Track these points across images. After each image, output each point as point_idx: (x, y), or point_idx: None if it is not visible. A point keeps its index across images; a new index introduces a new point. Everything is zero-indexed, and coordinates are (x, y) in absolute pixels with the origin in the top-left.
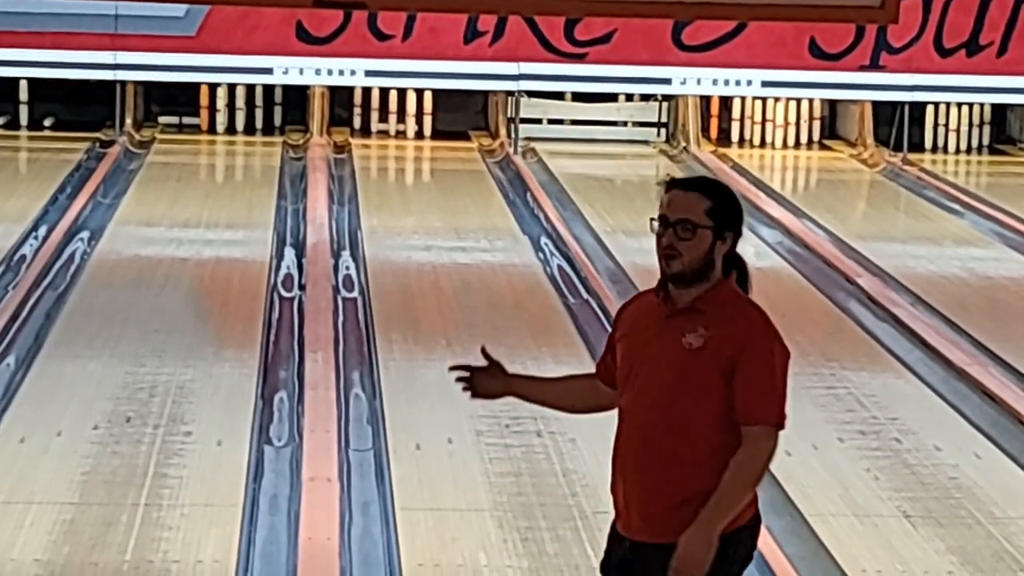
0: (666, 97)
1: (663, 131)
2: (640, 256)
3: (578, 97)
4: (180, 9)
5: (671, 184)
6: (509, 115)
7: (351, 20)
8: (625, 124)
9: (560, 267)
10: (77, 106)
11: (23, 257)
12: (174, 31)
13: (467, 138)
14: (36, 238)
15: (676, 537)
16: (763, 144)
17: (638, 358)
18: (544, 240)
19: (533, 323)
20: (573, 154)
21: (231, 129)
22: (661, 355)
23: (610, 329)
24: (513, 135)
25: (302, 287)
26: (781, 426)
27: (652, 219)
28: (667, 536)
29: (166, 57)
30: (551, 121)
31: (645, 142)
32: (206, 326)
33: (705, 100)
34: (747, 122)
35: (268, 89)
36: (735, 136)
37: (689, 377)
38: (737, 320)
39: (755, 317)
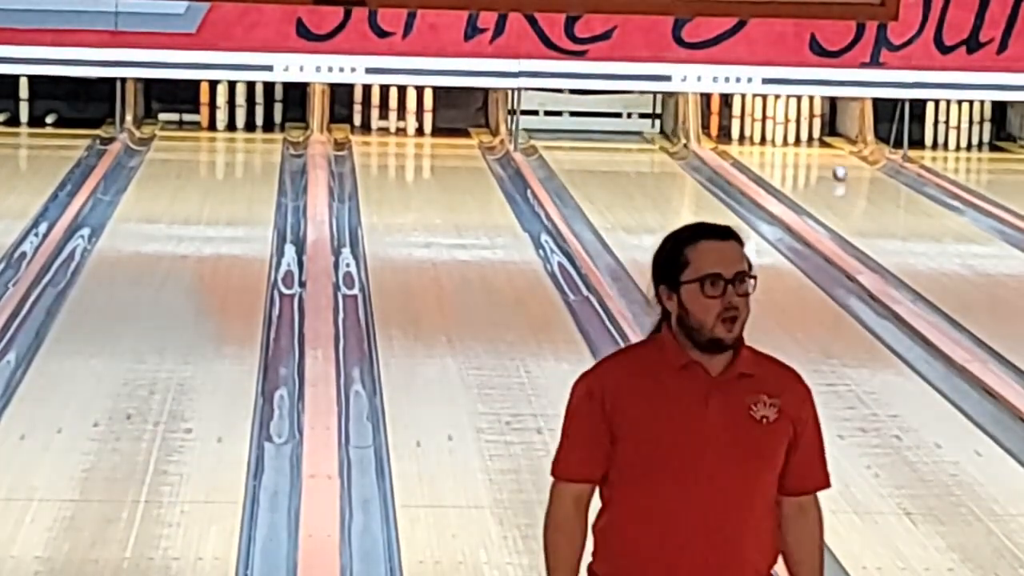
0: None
1: (657, 122)
2: (640, 253)
3: (575, 89)
4: (180, 6)
5: (695, 235)
6: (509, 107)
7: (351, 17)
8: (620, 115)
9: (560, 264)
10: (77, 103)
11: (23, 254)
12: (174, 28)
13: (467, 135)
14: (37, 235)
15: None
16: (763, 141)
17: (680, 436)
18: (544, 237)
19: (533, 320)
20: (573, 151)
21: (231, 126)
22: (724, 432)
23: (573, 399)
24: (513, 126)
25: (302, 284)
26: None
27: (684, 283)
28: None
29: (166, 54)
30: (547, 112)
31: (640, 133)
32: (206, 323)
33: (705, 97)
34: (747, 119)
35: (268, 86)
36: (735, 133)
37: (764, 454)
38: (787, 381)
39: (794, 373)
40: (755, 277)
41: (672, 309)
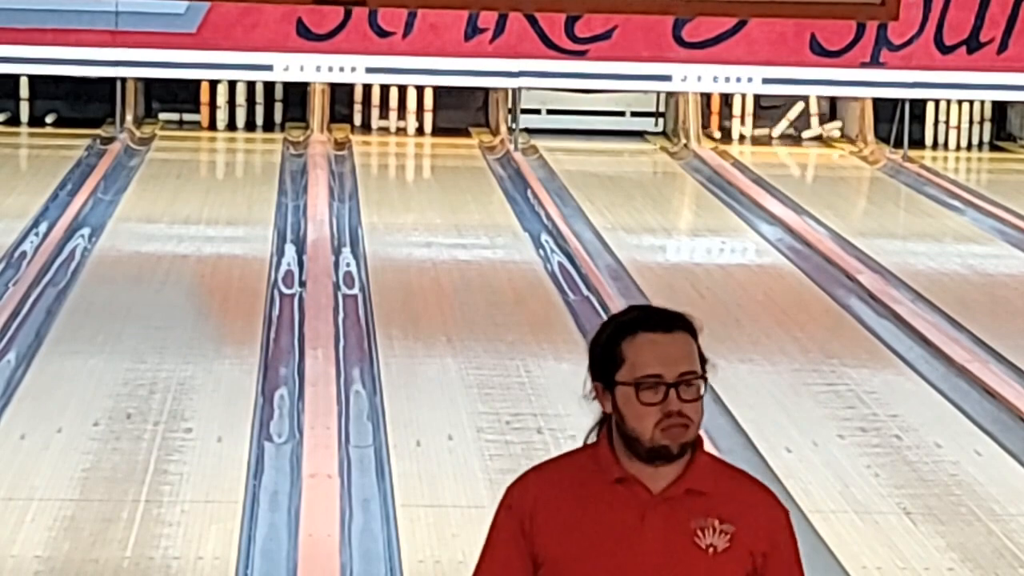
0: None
1: (661, 120)
2: (640, 253)
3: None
4: (181, 6)
5: (634, 325)
6: (509, 105)
7: (351, 17)
8: (623, 114)
9: (560, 264)
10: (77, 103)
11: (24, 253)
12: (175, 28)
13: (467, 135)
14: (37, 234)
15: None
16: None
17: (609, 565)
18: (544, 237)
19: (533, 320)
20: (573, 151)
21: (232, 126)
22: (661, 561)
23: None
24: (513, 124)
25: (302, 284)
26: None
27: (618, 384)
28: None
29: (167, 54)
30: (550, 111)
31: (643, 133)
32: (206, 323)
33: (706, 97)
34: (748, 119)
35: (269, 86)
36: (735, 133)
37: None
38: (751, 503)
39: (765, 492)
40: (705, 377)
41: (608, 410)
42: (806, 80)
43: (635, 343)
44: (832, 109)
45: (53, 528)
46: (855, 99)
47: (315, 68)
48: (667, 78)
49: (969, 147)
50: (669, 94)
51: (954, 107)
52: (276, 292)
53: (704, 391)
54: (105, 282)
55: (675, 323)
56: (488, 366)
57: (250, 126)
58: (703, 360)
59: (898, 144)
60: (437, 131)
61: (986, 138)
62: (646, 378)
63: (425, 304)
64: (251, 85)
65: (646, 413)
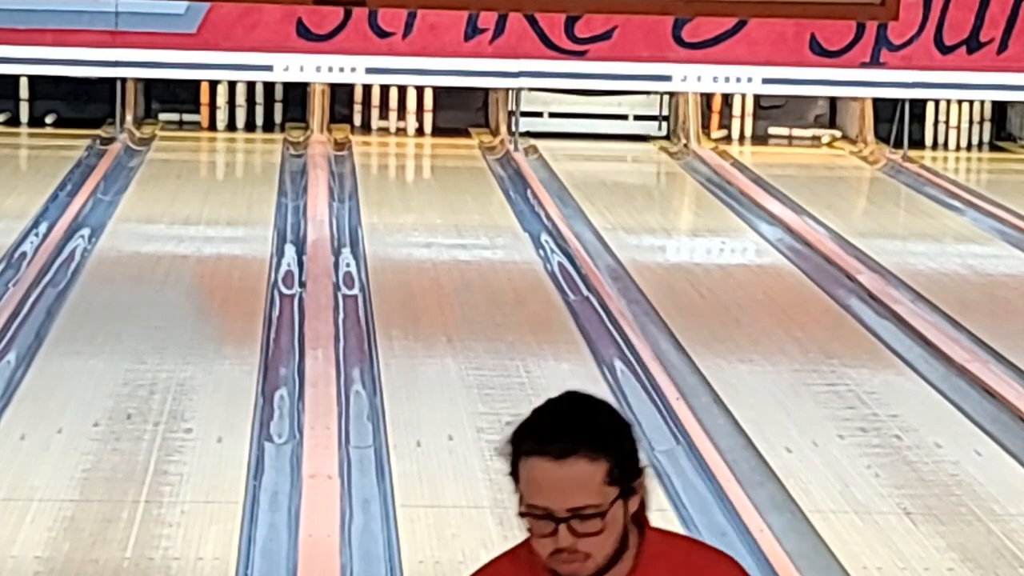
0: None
1: (664, 124)
2: (640, 253)
3: (575, 89)
4: (181, 6)
5: (530, 445)
6: (510, 108)
7: (351, 17)
8: (626, 118)
9: (560, 264)
10: (77, 103)
11: (23, 254)
12: (175, 28)
13: (467, 135)
14: (37, 235)
15: None
16: (764, 141)
17: None
18: (544, 237)
19: (533, 320)
20: (574, 151)
21: (231, 126)
22: None
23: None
24: (514, 128)
25: (302, 284)
26: None
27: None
28: None
29: (167, 54)
30: (552, 115)
31: (645, 137)
32: (206, 323)
33: (706, 97)
34: (747, 119)
35: (268, 86)
36: (736, 133)
37: None
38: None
39: (728, 564)
40: (603, 514)
41: None
42: (806, 80)
43: (527, 466)
44: (832, 109)
45: (53, 528)
46: (855, 99)
47: (315, 68)
48: (667, 78)
49: (969, 147)
50: (671, 97)
51: (954, 107)
52: (276, 292)
53: (609, 519)
54: (105, 282)
55: (575, 446)
56: (488, 366)
57: (250, 126)
58: (628, 469)
59: (898, 144)
60: (437, 131)
61: (986, 138)
62: (533, 508)
63: (425, 304)
64: (251, 85)
65: (538, 542)
